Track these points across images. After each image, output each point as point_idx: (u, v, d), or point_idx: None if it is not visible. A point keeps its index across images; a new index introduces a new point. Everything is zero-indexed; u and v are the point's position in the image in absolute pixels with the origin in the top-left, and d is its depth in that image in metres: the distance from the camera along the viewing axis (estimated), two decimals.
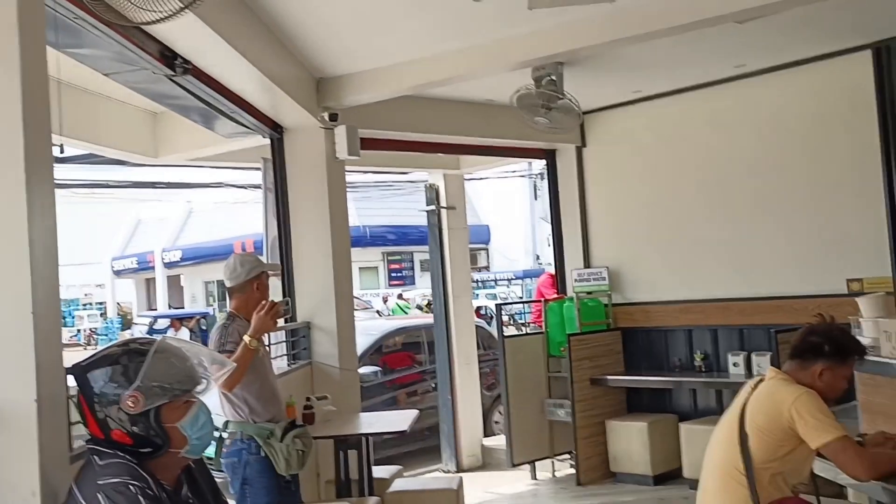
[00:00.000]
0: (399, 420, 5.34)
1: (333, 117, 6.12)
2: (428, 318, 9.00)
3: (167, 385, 2.21)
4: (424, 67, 5.72)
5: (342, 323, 6.08)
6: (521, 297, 23.64)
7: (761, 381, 3.53)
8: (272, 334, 5.36)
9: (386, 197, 22.88)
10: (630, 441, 7.02)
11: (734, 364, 6.73)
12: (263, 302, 4.15)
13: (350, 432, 5.11)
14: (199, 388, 2.29)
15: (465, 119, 7.15)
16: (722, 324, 7.02)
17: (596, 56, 5.89)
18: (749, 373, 6.53)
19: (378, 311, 20.80)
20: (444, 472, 8.15)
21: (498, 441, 8.27)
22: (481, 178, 20.45)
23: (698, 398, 7.21)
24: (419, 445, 8.83)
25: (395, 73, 5.84)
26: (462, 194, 8.76)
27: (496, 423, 8.98)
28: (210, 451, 5.26)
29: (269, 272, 4.47)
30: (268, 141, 6.20)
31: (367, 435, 5.07)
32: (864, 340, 4.05)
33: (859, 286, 6.21)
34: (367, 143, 6.62)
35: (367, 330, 9.38)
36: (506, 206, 28.93)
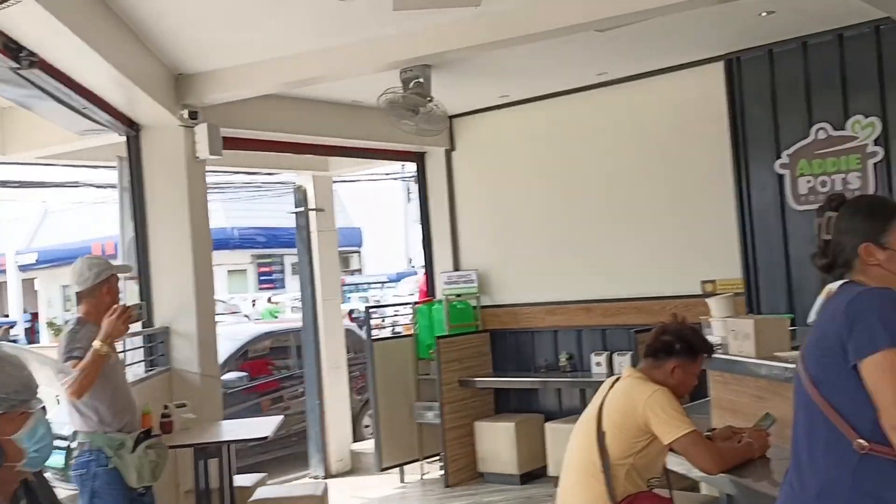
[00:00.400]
0: (262, 426, 5.21)
1: (194, 115, 5.91)
2: (297, 322, 8.84)
3: (3, 395, 2.06)
4: (289, 66, 5.61)
5: (203, 328, 5.88)
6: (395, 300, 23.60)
7: (618, 380, 3.63)
8: (127, 340, 5.13)
9: (256, 198, 22.38)
10: (497, 441, 7.11)
11: (597, 364, 6.91)
12: (115, 306, 3.97)
13: (210, 440, 4.95)
14: (36, 398, 2.15)
15: (332, 120, 7.06)
16: (586, 325, 7.20)
17: (464, 59, 5.94)
18: (611, 372, 6.71)
19: (247, 315, 20.33)
20: (313, 478, 8.02)
21: (368, 445, 8.21)
22: (353, 181, 20.29)
23: (563, 398, 7.37)
24: (287, 452, 8.68)
25: (259, 71, 5.71)
26: (331, 196, 8.66)
27: (366, 427, 8.91)
28: (58, 461, 5.03)
29: (120, 275, 4.28)
30: (124, 139, 5.93)
31: (227, 442, 4.93)
32: (714, 339, 4.22)
33: (713, 287, 6.49)
34: (232, 143, 6.44)
35: (233, 335, 9.15)
36: (379, 208, 28.87)
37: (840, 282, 2.15)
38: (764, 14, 5.50)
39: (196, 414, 5.37)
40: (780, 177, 6.30)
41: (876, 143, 5.93)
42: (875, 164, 5.94)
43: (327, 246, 8.43)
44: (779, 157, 6.30)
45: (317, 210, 8.35)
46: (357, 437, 8.75)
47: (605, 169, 7.11)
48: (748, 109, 6.42)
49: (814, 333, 2.14)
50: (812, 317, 2.20)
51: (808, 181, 6.20)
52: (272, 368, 9.21)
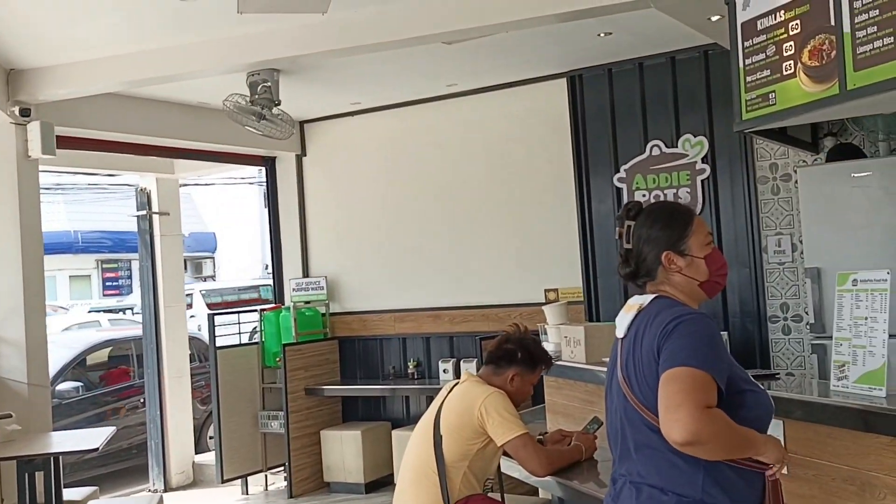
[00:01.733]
0: (92, 438, 4.98)
1: (26, 112, 5.62)
2: (139, 330, 8.52)
3: None
4: (129, 65, 5.41)
5: (32, 335, 5.58)
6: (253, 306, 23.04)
7: (457, 384, 3.70)
8: None
9: (101, 200, 21.42)
10: (343, 450, 7.07)
11: (444, 371, 7.00)
12: None
13: (36, 452, 4.69)
14: None
15: (178, 121, 6.86)
16: (434, 332, 7.29)
17: (315, 65, 5.90)
18: (457, 379, 6.80)
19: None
20: (151, 491, 7.73)
21: (211, 457, 7.99)
22: (208, 184, 19.75)
23: (411, 405, 7.42)
24: (127, 464, 8.34)
25: (96, 68, 5.48)
26: (177, 199, 8.40)
27: (210, 438, 8.67)
28: None
29: None
30: None
31: (54, 455, 4.68)
32: (550, 346, 4.37)
33: (555, 295, 6.72)
34: (69, 142, 6.16)
35: (69, 342, 8.71)
36: (236, 213, 28.17)
37: (649, 296, 2.21)
38: (602, 35, 5.74)
39: (23, 426, 5.09)
40: (619, 190, 6.59)
41: (704, 160, 6.29)
42: (703, 180, 6.30)
43: (172, 251, 8.17)
44: (617, 171, 6.59)
45: (160, 214, 8.07)
46: (201, 448, 8.50)
47: (454, 178, 7.23)
48: (589, 125, 6.69)
49: (630, 345, 2.18)
50: (621, 332, 2.25)
51: (644, 195, 6.50)
52: (113, 377, 8.82)
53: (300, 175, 7.88)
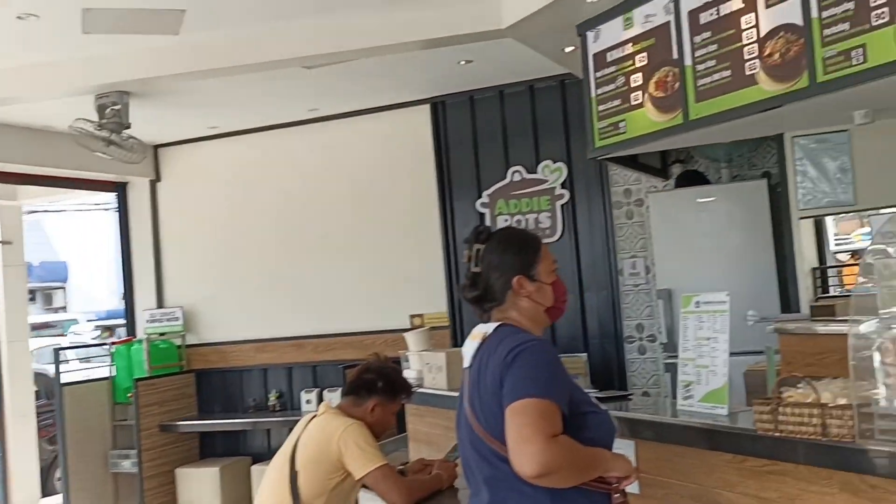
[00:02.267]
0: None
1: None
2: None
3: None
4: None
5: None
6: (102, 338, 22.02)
7: (314, 416, 3.59)
8: None
9: None
10: (201, 488, 6.79)
11: (307, 401, 6.85)
12: None
13: None
14: None
15: (20, 145, 6.47)
16: (297, 361, 7.12)
17: (168, 88, 5.69)
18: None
19: None
20: None
21: (59, 500, 7.51)
22: (58, 211, 18.77)
23: (272, 438, 7.21)
24: None
25: None
26: (20, 227, 7.92)
27: (59, 479, 8.16)
28: None
29: None
30: None
31: None
32: (412, 373, 4.33)
33: (421, 321, 6.69)
34: None
35: None
36: (88, 241, 26.90)
37: (493, 325, 2.20)
38: (463, 63, 5.81)
39: None
40: (482, 215, 6.66)
41: (563, 186, 6.45)
42: (562, 205, 6.45)
43: (15, 282, 7.69)
44: (480, 196, 6.67)
45: (3, 243, 7.59)
46: (48, 491, 7.99)
47: (318, 204, 7.12)
48: (452, 151, 6.75)
49: (475, 375, 2.16)
50: (467, 361, 2.23)
51: (506, 220, 6.60)
52: None
53: (154, 201, 7.59)
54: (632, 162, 5.64)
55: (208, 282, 7.43)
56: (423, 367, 4.12)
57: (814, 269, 5.20)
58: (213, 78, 5.15)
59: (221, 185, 7.42)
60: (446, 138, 6.79)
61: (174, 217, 7.58)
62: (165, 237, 7.60)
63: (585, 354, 6.02)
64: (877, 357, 1.96)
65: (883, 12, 3.16)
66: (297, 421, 6.83)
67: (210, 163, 7.46)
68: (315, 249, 7.12)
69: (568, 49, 5.01)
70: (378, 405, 3.53)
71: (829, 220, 5.35)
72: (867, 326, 1.99)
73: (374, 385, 3.55)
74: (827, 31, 3.36)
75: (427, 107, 6.78)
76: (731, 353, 2.66)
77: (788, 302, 5.16)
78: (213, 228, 7.43)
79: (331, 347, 7.00)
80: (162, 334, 7.27)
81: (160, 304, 7.48)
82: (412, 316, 6.79)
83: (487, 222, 6.62)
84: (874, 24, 3.19)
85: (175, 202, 7.58)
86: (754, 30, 3.68)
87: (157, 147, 7.52)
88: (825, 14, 3.36)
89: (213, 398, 7.35)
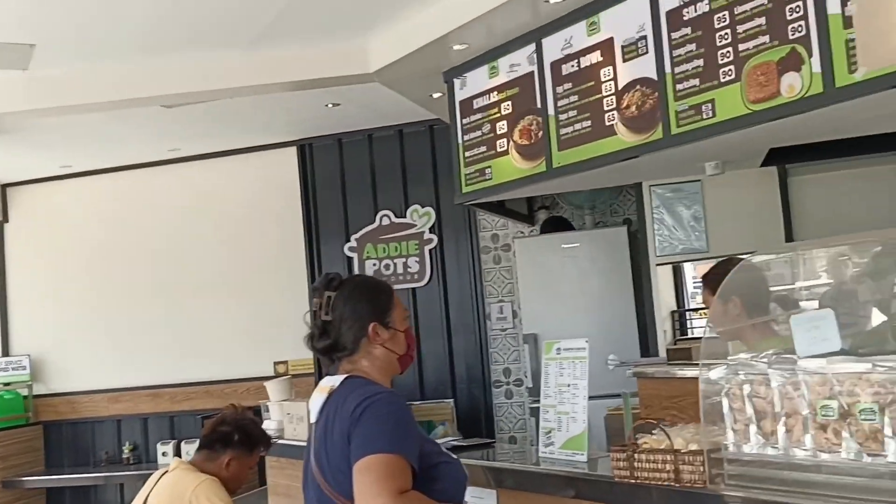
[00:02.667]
0: None
1: None
2: None
3: None
4: None
5: None
6: None
7: (165, 472, 3.40)
8: None
9: None
10: None
11: (163, 454, 6.52)
12: None
13: None
14: None
15: None
16: (153, 412, 6.80)
17: (15, 125, 5.39)
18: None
19: None
20: None
21: None
22: None
23: (126, 493, 6.81)
24: None
25: None
26: None
27: None
28: None
29: None
30: None
31: None
32: (272, 423, 4.18)
33: (285, 368, 6.52)
34: None
35: None
36: None
37: (340, 377, 2.13)
38: (330, 105, 5.77)
39: None
40: (350, 259, 6.59)
41: (431, 230, 6.46)
42: (431, 249, 6.46)
43: None
44: (348, 240, 6.60)
45: None
46: None
47: (177, 247, 6.87)
48: (320, 194, 6.67)
49: (322, 430, 2.09)
50: (314, 416, 2.15)
51: (374, 264, 6.55)
52: None
53: (1, 243, 7.14)
54: (499, 208, 5.71)
55: (59, 329, 7.02)
56: (283, 417, 3.98)
57: (673, 313, 5.38)
58: (65, 115, 4.91)
59: (75, 227, 7.06)
60: (314, 181, 6.70)
61: (23, 260, 7.15)
62: (12, 281, 7.15)
63: (452, 400, 5.99)
64: (725, 402, 2.00)
65: (730, 69, 3.32)
66: (150, 475, 6.56)
67: (63, 203, 7.09)
68: (175, 295, 6.85)
69: (436, 95, 5.05)
70: (234, 459, 3.38)
71: (687, 264, 5.56)
72: (716, 372, 2.03)
73: (230, 438, 3.39)
74: (679, 86, 3.51)
75: (294, 149, 6.70)
76: (593, 397, 2.69)
77: (647, 345, 5.30)
78: (65, 272, 7.04)
79: (189, 397, 6.72)
80: (6, 384, 6.80)
81: (5, 353, 7.01)
82: (276, 363, 6.62)
83: (355, 266, 6.56)
84: (722, 80, 3.35)
85: (24, 244, 7.16)
86: (612, 82, 3.80)
87: (4, 186, 7.10)
88: (677, 70, 3.51)
89: (62, 451, 6.91)
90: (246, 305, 6.74)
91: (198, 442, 6.13)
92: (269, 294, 6.70)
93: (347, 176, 6.65)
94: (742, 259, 2.77)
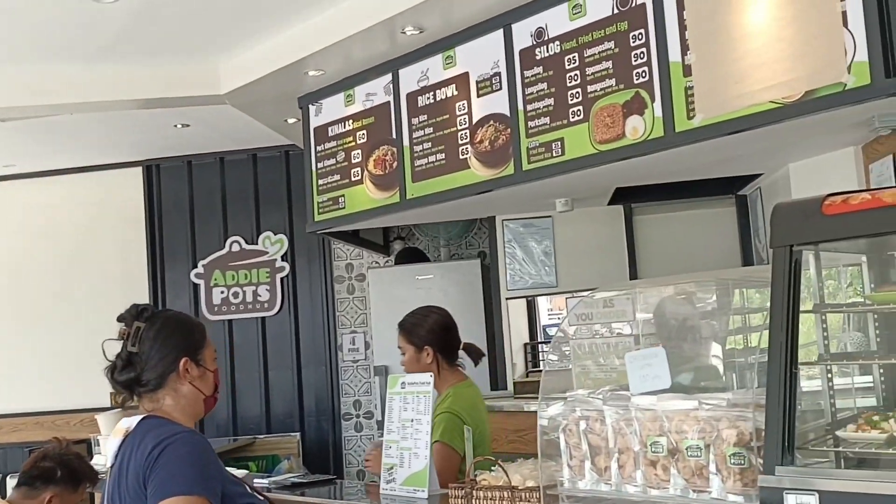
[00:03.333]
0: None
1: None
2: None
3: None
4: None
5: None
6: None
7: None
8: None
9: None
10: None
11: None
12: None
13: None
14: None
15: None
16: None
17: None
18: (4, 497, 5.91)
19: None
20: None
21: None
22: None
23: None
24: None
25: None
26: None
27: None
28: None
29: None
30: None
31: None
32: (101, 459, 3.94)
33: (121, 400, 6.17)
34: None
35: None
36: None
37: (137, 417, 2.01)
38: (180, 126, 5.56)
39: None
40: (196, 286, 6.35)
41: (284, 258, 6.32)
42: (282, 278, 6.31)
43: None
44: (195, 266, 6.36)
45: None
46: None
47: (9, 268, 6.43)
48: (167, 217, 6.42)
49: (117, 474, 1.96)
50: (110, 460, 2.02)
51: (223, 291, 6.34)
52: None
53: None
54: (353, 237, 5.66)
55: None
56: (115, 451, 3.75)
57: (525, 345, 5.45)
58: None
59: None
60: (160, 204, 6.44)
61: None
62: None
63: (299, 434, 5.84)
64: (562, 438, 2.00)
65: (578, 110, 3.41)
66: None
67: None
68: (6, 318, 6.39)
69: (290, 120, 4.97)
70: (56, 497, 3.14)
71: (542, 298, 5.65)
72: (555, 408, 2.04)
73: (52, 474, 3.16)
74: (531, 124, 3.58)
75: (140, 169, 6.42)
76: None
77: (497, 378, 5.34)
78: None
79: (16, 428, 6.27)
80: None
81: None
82: (112, 394, 6.25)
83: (202, 293, 6.33)
84: (571, 119, 3.44)
85: None
86: (467, 116, 3.84)
87: None
88: (529, 107, 3.58)
89: None
90: (84, 331, 6.34)
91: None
92: (108, 321, 6.31)
93: (196, 199, 6.43)
94: (437, 308, 3.12)
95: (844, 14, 2.70)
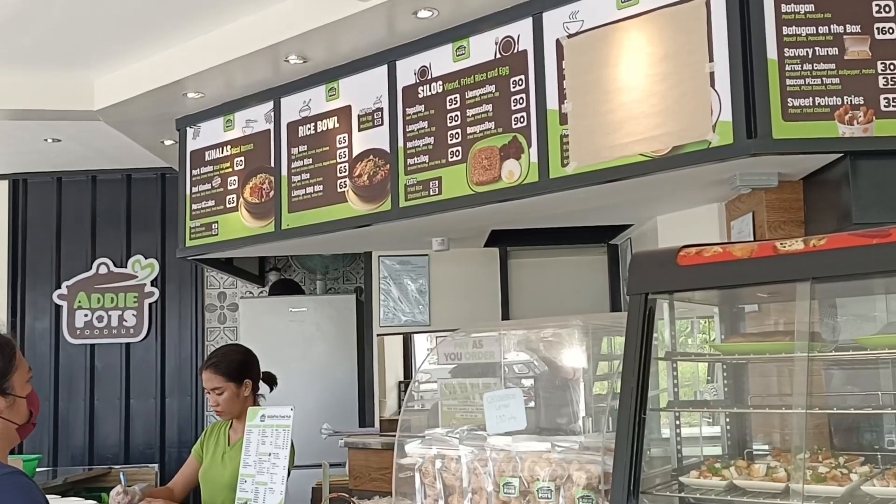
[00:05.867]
0: None
1: None
2: None
3: None
4: None
5: None
6: None
7: None
8: None
9: None
10: None
11: None
12: None
13: None
14: None
15: None
16: None
17: None
18: None
19: None
20: None
21: None
22: None
23: None
24: None
25: None
26: None
27: None
28: None
29: None
30: None
31: None
32: None
33: None
34: None
35: None
36: None
37: None
38: (50, 140, 5.32)
39: None
40: (59, 307, 6.06)
41: (153, 283, 6.10)
42: (151, 303, 6.09)
43: None
44: (59, 286, 6.08)
45: None
46: None
47: None
48: (32, 234, 6.13)
49: None
50: None
51: (86, 315, 6.08)
52: None
53: None
54: (227, 265, 5.51)
55: None
56: None
57: (400, 383, 5.40)
58: None
59: None
60: (25, 220, 6.14)
61: None
62: None
63: (158, 465, 5.61)
64: (418, 477, 1.98)
65: (457, 150, 3.44)
66: None
67: None
68: None
69: (168, 142, 4.82)
70: None
71: (418, 336, 5.61)
72: (412, 447, 2.02)
73: None
74: (410, 161, 3.59)
75: (6, 183, 6.11)
76: (304, 466, 2.59)
77: (365, 415, 5.28)
78: None
79: None
80: None
81: None
82: None
83: (64, 315, 6.04)
84: (450, 159, 3.46)
85: None
86: (347, 149, 3.82)
87: None
88: (409, 145, 3.59)
89: None
90: None
91: None
92: None
93: (65, 218, 6.15)
94: (242, 346, 3.23)
95: (712, 75, 2.82)
